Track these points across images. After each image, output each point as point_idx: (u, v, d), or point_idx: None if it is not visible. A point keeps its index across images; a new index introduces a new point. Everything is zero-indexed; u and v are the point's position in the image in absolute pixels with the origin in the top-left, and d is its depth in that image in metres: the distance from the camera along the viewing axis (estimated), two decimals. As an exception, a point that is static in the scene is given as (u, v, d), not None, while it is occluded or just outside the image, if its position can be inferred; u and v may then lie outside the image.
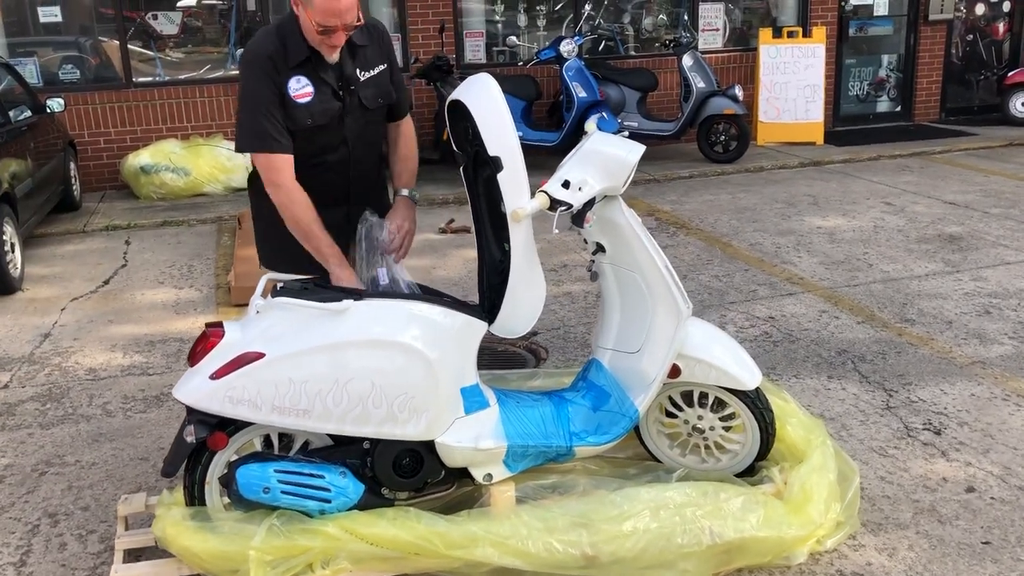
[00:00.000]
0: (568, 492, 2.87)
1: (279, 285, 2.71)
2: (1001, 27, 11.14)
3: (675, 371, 2.92)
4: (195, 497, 2.73)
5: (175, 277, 6.09)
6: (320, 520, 2.63)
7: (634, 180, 8.59)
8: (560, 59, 8.57)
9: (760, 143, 9.92)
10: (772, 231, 6.66)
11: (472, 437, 2.73)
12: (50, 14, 8.59)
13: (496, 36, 9.70)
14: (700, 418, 3.06)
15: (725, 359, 2.93)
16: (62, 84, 8.67)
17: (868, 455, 3.44)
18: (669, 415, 3.11)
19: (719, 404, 3.03)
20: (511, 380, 3.41)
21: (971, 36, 11.14)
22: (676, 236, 6.64)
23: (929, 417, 3.73)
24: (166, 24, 8.88)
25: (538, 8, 9.77)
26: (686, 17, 10.06)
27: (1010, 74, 10.54)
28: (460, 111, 2.68)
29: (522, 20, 9.75)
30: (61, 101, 7.44)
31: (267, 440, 2.80)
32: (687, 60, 8.84)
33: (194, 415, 2.63)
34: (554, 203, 2.63)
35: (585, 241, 2.94)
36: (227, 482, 2.64)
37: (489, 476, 2.78)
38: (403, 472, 2.75)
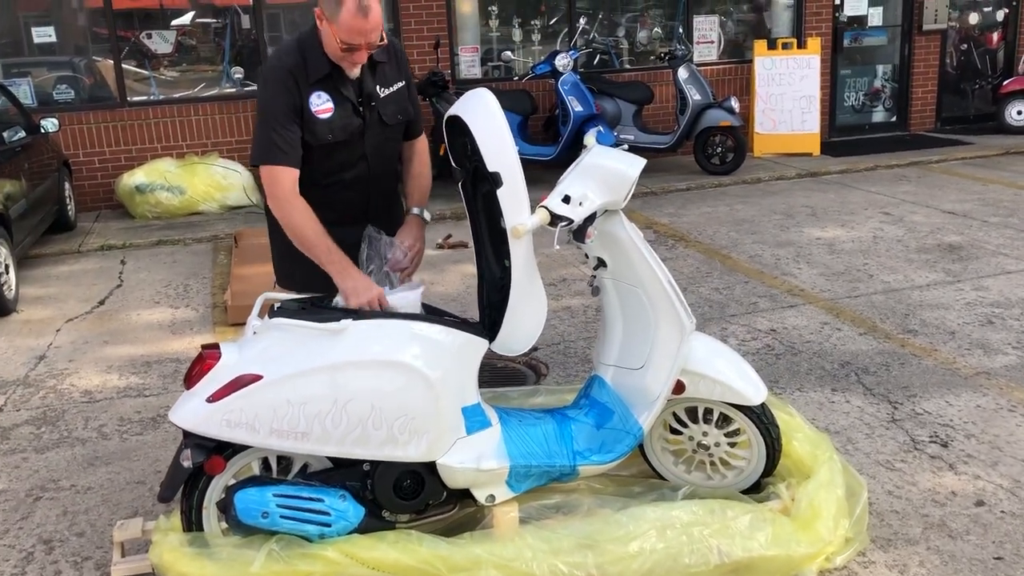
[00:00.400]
0: (572, 512, 2.83)
1: (276, 305, 2.67)
2: (995, 36, 11.17)
3: (679, 387, 2.88)
4: (192, 522, 2.68)
5: (171, 297, 6.04)
6: (320, 544, 2.58)
7: (632, 193, 8.55)
8: (555, 73, 8.57)
9: (757, 155, 9.91)
10: (771, 243, 6.63)
11: (474, 457, 2.68)
12: (44, 34, 8.57)
13: (491, 51, 9.70)
14: (705, 434, 3.01)
15: (730, 374, 2.89)
16: (56, 104, 8.64)
17: (875, 469, 3.40)
18: (673, 432, 3.06)
19: (724, 420, 2.99)
20: (512, 398, 3.37)
21: (965, 46, 11.16)
22: (675, 249, 6.60)
23: (935, 429, 3.69)
24: (160, 43, 8.87)
25: (533, 23, 9.77)
26: (680, 30, 10.08)
27: (1005, 83, 10.56)
28: (458, 126, 2.65)
29: (517, 35, 9.76)
30: (55, 121, 7.42)
31: (265, 463, 2.76)
32: (682, 73, 8.85)
33: (191, 439, 2.58)
34: (555, 218, 2.59)
35: (586, 256, 2.90)
36: (225, 507, 2.59)
37: (492, 497, 2.74)
38: (404, 494, 2.70)
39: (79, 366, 4.86)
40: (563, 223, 2.60)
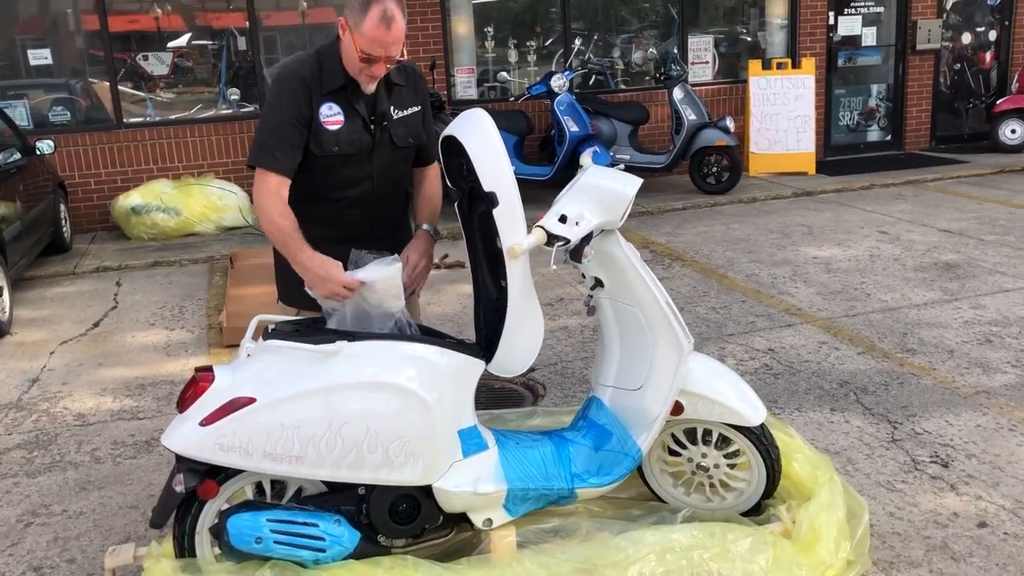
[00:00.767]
0: (570, 536, 2.79)
1: (270, 327, 2.64)
2: (988, 56, 11.24)
3: (678, 408, 2.85)
4: (185, 548, 2.63)
5: (166, 318, 6.01)
6: (314, 570, 2.54)
7: (628, 213, 8.56)
8: (551, 94, 8.59)
9: (752, 174, 9.93)
10: (768, 262, 6.62)
11: (471, 481, 2.65)
12: (40, 56, 8.59)
13: (487, 72, 9.73)
14: (704, 456, 2.98)
15: (728, 395, 2.86)
16: (53, 126, 8.65)
17: (876, 490, 3.36)
18: (672, 453, 3.03)
19: (723, 441, 2.96)
20: (509, 420, 3.34)
21: (959, 65, 11.23)
22: (671, 268, 6.59)
23: (936, 449, 3.66)
24: (157, 65, 8.89)
25: (529, 44, 9.81)
26: (675, 50, 10.12)
27: (999, 102, 10.61)
28: (454, 147, 2.64)
29: (513, 56, 9.79)
30: (51, 143, 7.41)
31: (259, 487, 2.72)
32: (678, 93, 8.87)
33: (184, 463, 2.54)
34: (551, 238, 2.58)
35: (583, 276, 2.88)
36: (218, 532, 2.55)
37: (489, 521, 2.70)
38: (400, 519, 2.67)
39: (73, 389, 4.82)
40: (559, 243, 2.58)
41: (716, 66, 10.35)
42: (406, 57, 2.75)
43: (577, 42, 9.70)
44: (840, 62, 10.70)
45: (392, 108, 2.84)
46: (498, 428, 2.98)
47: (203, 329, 5.74)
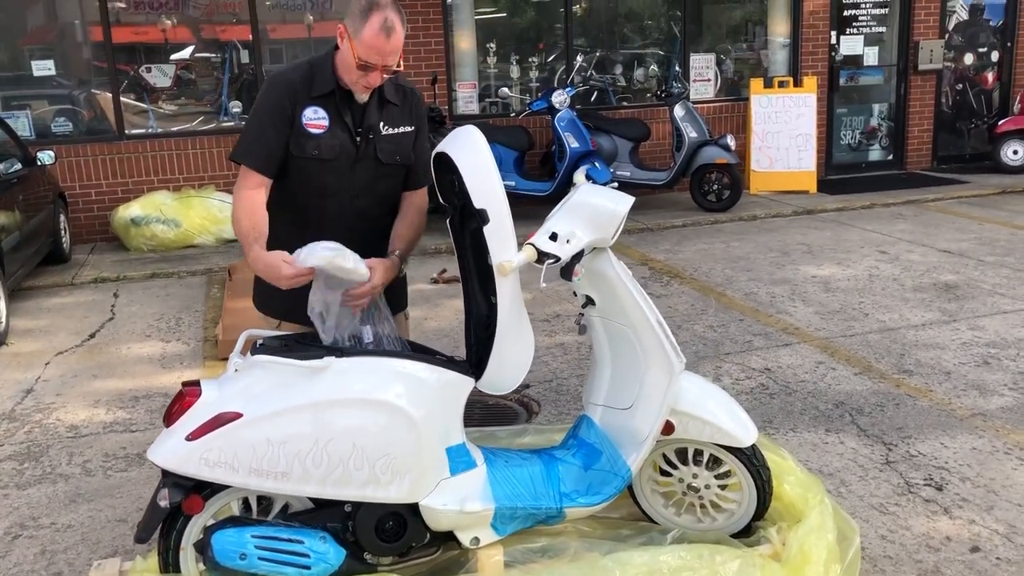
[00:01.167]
0: (558, 556, 2.77)
1: (259, 342, 2.63)
2: (990, 76, 11.25)
3: (668, 428, 2.83)
4: (170, 563, 2.62)
5: (162, 330, 6.00)
6: (299, 587, 2.52)
7: (627, 229, 8.57)
8: (552, 110, 8.61)
9: (753, 192, 9.93)
10: (766, 280, 6.61)
11: (458, 499, 2.63)
12: (44, 67, 8.62)
13: (489, 87, 9.76)
14: (695, 476, 2.96)
15: (719, 415, 2.84)
16: (55, 137, 8.67)
17: (868, 512, 3.34)
18: (663, 473, 3.01)
19: (714, 462, 2.94)
20: (500, 437, 3.32)
21: (960, 85, 11.24)
22: (670, 286, 6.58)
23: (930, 472, 3.63)
24: (159, 77, 8.92)
25: (531, 60, 9.84)
26: (677, 68, 10.14)
27: (1001, 122, 10.61)
28: (446, 163, 2.64)
29: (515, 71, 9.82)
30: (52, 154, 7.43)
31: (245, 503, 2.70)
32: (679, 110, 8.89)
33: (169, 478, 2.53)
34: (541, 256, 2.57)
35: (575, 293, 2.87)
36: (203, 548, 2.54)
37: (476, 540, 2.68)
38: (386, 536, 2.65)
39: (66, 400, 4.81)
40: (550, 260, 2.58)
41: (718, 84, 10.37)
42: (402, 68, 2.75)
43: (579, 58, 9.72)
44: (842, 81, 10.72)
45: (382, 123, 2.83)
46: (488, 446, 2.96)
47: (199, 342, 5.73)
